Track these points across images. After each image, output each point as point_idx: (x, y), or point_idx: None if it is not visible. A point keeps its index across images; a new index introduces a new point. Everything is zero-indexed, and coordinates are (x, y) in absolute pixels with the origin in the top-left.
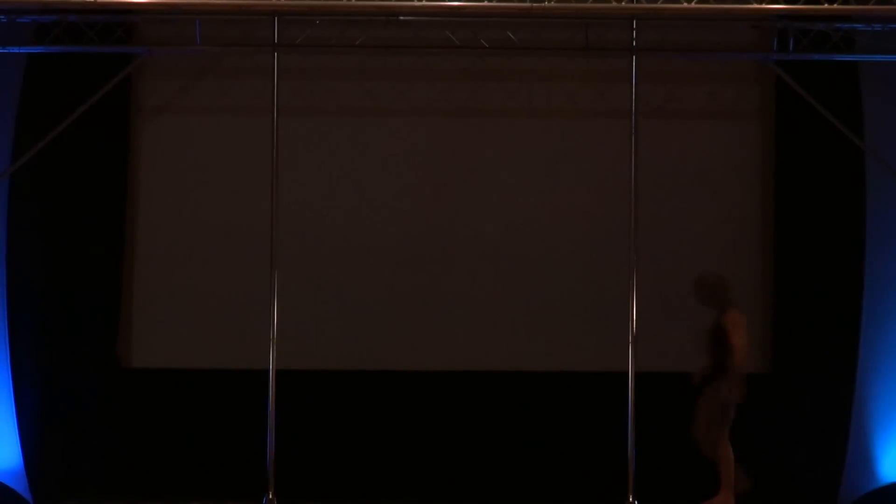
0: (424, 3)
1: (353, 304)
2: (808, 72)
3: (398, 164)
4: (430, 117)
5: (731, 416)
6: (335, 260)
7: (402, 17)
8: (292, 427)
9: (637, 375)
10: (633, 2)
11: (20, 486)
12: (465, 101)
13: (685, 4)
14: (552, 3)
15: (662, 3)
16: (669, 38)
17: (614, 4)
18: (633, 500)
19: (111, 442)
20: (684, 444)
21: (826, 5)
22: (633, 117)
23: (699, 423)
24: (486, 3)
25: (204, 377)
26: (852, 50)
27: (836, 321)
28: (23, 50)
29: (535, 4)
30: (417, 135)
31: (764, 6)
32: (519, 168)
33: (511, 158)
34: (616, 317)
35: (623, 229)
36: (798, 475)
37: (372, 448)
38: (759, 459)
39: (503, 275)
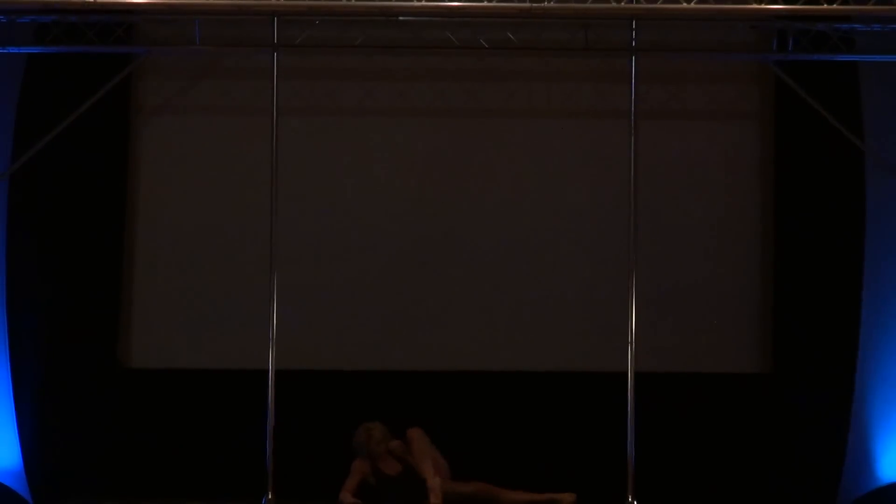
0: (424, 3)
1: (353, 304)
2: (807, 72)
3: (398, 164)
4: (429, 117)
5: None
6: (335, 260)
7: (401, 18)
8: (292, 427)
9: (637, 375)
10: (632, 2)
11: (20, 486)
12: (465, 101)
13: (684, 5)
14: (552, 4)
15: (662, 3)
16: (669, 38)
17: (614, 5)
18: (633, 499)
19: (111, 442)
20: (684, 444)
21: (825, 5)
22: (633, 117)
23: None
24: (485, 4)
25: (204, 377)
26: (852, 50)
27: (836, 321)
28: (22, 50)
29: (534, 5)
30: (417, 135)
31: (763, 6)
32: (518, 168)
33: (511, 158)
34: (616, 317)
35: (622, 229)
36: (797, 475)
37: None
38: (759, 459)
39: (503, 274)
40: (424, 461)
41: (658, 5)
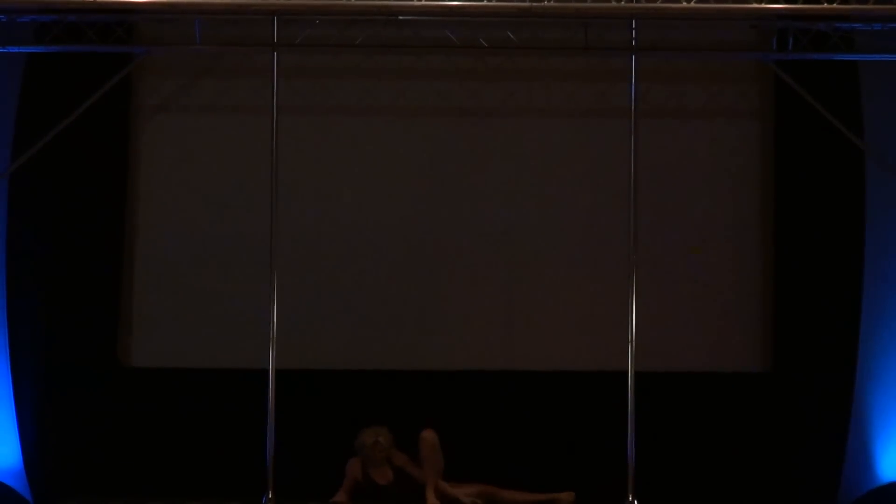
0: (424, 2)
1: (353, 304)
2: (807, 71)
3: (398, 164)
4: (429, 117)
5: None
6: (335, 259)
7: (401, 17)
8: (292, 427)
9: (637, 374)
10: (632, 1)
11: (20, 485)
12: (465, 100)
13: (685, 4)
14: (551, 3)
15: (662, 2)
16: (669, 37)
17: (614, 4)
18: (633, 499)
19: (111, 441)
20: (684, 444)
21: (825, 5)
22: (633, 117)
23: None
24: (485, 3)
25: (204, 377)
26: (852, 49)
27: (836, 321)
28: (22, 49)
29: (534, 4)
30: (417, 134)
31: (763, 6)
32: (519, 168)
33: (511, 158)
34: (616, 316)
35: (623, 228)
36: (797, 474)
37: None
38: (759, 459)
39: (503, 273)
40: (430, 474)
41: (658, 4)
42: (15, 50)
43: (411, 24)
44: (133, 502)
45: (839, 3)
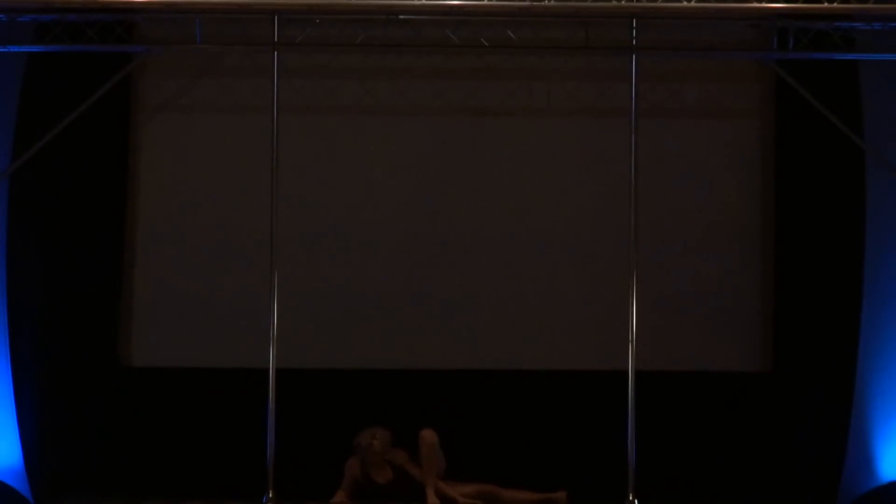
0: (424, 2)
1: (353, 304)
2: (807, 71)
3: (398, 163)
4: (429, 116)
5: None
6: (335, 259)
7: (402, 16)
8: (292, 427)
9: (637, 374)
10: (632, 1)
11: (20, 485)
12: (465, 99)
13: (685, 3)
14: (551, 3)
15: (662, 2)
16: (669, 36)
17: (614, 3)
18: (633, 499)
19: (111, 441)
20: (684, 444)
21: (826, 4)
22: (633, 116)
23: None
24: (485, 2)
25: (204, 376)
26: (852, 49)
27: (836, 321)
28: (23, 49)
29: (534, 3)
30: (417, 133)
31: (763, 5)
32: (519, 167)
33: (511, 157)
34: (616, 316)
35: (623, 227)
36: (798, 474)
37: None
38: (759, 459)
39: (503, 274)
40: (430, 473)
41: (658, 4)
42: (15, 49)
43: (412, 23)
44: (133, 502)
45: (839, 3)
